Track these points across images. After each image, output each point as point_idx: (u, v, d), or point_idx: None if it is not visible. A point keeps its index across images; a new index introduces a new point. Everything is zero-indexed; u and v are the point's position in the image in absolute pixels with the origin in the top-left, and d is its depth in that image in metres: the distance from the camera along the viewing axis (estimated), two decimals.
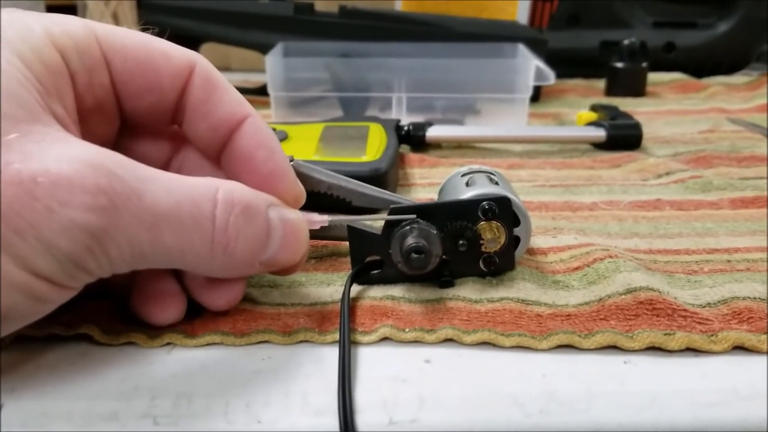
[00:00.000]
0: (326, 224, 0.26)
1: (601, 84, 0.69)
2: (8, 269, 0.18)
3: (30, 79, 0.20)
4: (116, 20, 0.81)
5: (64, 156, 0.19)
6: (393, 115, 0.54)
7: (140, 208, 0.19)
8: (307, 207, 0.30)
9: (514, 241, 0.28)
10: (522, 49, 0.58)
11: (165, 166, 0.26)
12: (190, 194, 0.21)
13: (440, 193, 0.32)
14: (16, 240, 0.18)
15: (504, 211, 0.27)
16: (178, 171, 0.26)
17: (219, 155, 0.25)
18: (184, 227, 0.20)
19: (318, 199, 0.30)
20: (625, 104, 0.61)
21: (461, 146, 0.49)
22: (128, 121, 0.25)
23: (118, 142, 0.26)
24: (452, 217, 0.27)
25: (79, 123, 0.23)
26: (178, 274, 0.25)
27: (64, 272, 0.19)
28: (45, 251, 0.18)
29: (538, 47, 0.59)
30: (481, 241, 0.27)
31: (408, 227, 0.26)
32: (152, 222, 0.20)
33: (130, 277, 0.25)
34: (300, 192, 0.25)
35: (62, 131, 0.20)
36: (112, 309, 0.25)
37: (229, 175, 0.25)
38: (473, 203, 0.27)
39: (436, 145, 0.49)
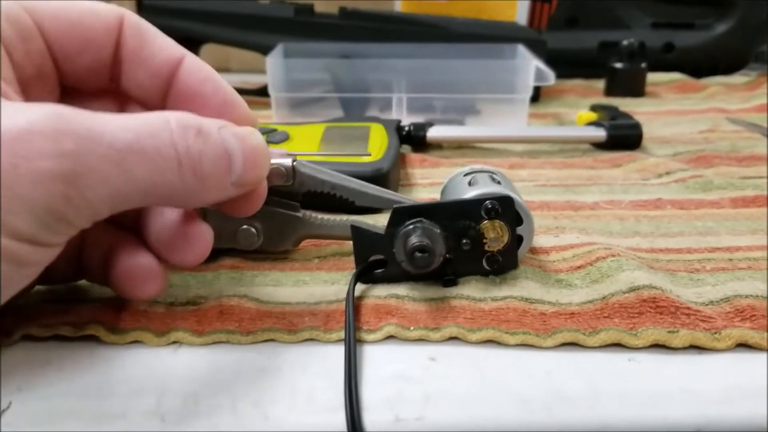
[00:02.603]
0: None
1: (600, 84, 0.69)
2: None
3: None
4: None
5: (17, 112, 0.19)
6: (393, 115, 0.54)
7: (103, 145, 0.19)
8: (310, 207, 0.30)
9: (517, 240, 0.28)
10: (521, 49, 0.58)
11: None
12: (145, 126, 0.20)
13: (442, 192, 0.32)
14: None
15: (507, 210, 0.27)
16: None
17: (162, 102, 0.25)
18: (149, 157, 0.20)
19: (321, 200, 0.30)
20: (625, 104, 0.61)
21: (462, 146, 0.49)
22: (69, 86, 0.25)
23: None
24: (455, 217, 0.27)
25: (21, 93, 0.22)
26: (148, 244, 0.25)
27: (45, 228, 0.19)
28: (21, 209, 0.18)
29: (537, 48, 0.59)
30: (484, 240, 0.27)
31: (411, 226, 0.26)
32: (118, 158, 0.19)
33: (106, 258, 0.25)
34: (253, 119, 0.25)
35: (5, 100, 0.20)
36: (117, 308, 0.25)
37: None
38: (476, 202, 0.27)
39: (437, 146, 0.49)
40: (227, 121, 0.23)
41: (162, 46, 0.25)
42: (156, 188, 0.20)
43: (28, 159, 0.18)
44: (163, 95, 0.25)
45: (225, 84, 0.25)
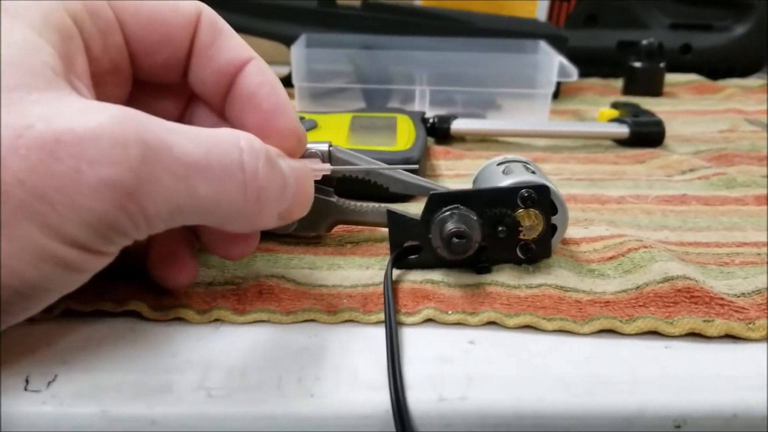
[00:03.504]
0: (328, 173, 0.27)
1: (618, 83, 0.70)
2: (37, 240, 0.17)
3: (42, 47, 0.19)
4: None
5: (87, 112, 0.18)
6: (415, 107, 0.54)
7: (171, 158, 0.19)
8: (345, 193, 0.31)
9: (551, 229, 0.28)
10: (543, 45, 0.58)
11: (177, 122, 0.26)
12: (216, 143, 0.20)
13: (475, 181, 0.33)
14: (43, 208, 0.17)
15: (542, 199, 0.27)
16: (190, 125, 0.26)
17: (223, 101, 0.25)
18: (216, 176, 0.20)
19: (355, 185, 0.30)
20: (643, 103, 0.61)
21: (485, 140, 0.49)
22: (140, 80, 0.25)
23: (130, 104, 0.25)
24: (491, 204, 0.27)
25: (93, 87, 0.22)
26: (189, 238, 0.26)
27: (99, 237, 0.18)
28: (76, 217, 0.17)
29: (558, 44, 0.59)
30: (520, 228, 0.27)
31: (448, 213, 0.26)
32: (185, 173, 0.19)
33: (147, 246, 0.25)
34: (302, 132, 0.25)
35: (78, 95, 0.20)
36: (159, 286, 0.26)
37: (233, 117, 0.25)
38: (513, 191, 0.27)
39: (460, 139, 0.49)
40: (275, 129, 0.24)
41: (232, 45, 0.24)
42: (217, 208, 0.20)
43: (92, 164, 0.17)
44: (224, 95, 0.25)
45: (281, 92, 0.25)
